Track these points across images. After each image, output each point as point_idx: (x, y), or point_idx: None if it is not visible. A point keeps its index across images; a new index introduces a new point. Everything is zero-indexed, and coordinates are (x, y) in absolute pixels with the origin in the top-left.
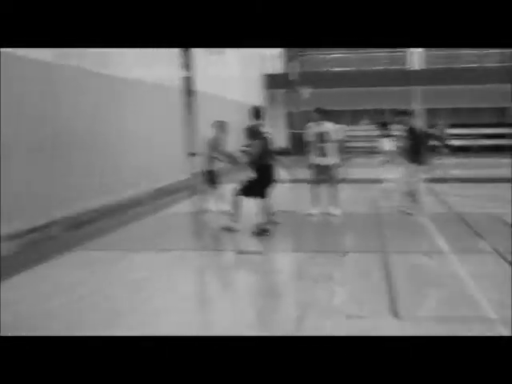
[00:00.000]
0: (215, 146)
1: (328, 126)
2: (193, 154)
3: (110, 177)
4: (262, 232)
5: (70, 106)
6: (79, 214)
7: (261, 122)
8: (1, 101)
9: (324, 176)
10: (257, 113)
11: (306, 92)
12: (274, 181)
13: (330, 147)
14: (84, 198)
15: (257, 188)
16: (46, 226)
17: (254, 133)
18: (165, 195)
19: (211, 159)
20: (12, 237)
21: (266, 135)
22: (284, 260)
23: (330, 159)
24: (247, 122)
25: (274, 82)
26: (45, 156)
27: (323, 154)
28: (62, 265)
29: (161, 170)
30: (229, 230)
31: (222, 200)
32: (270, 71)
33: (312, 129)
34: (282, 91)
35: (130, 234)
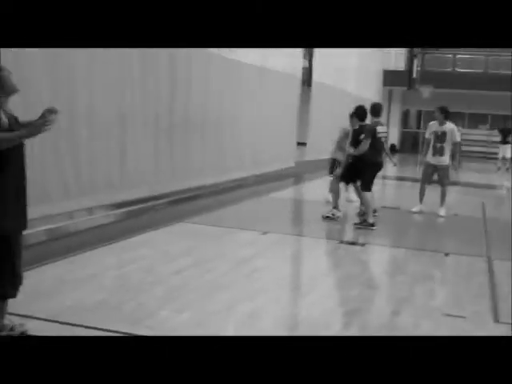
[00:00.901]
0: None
1: (450, 127)
2: (303, 144)
3: (225, 157)
4: (366, 225)
5: (198, 89)
6: (193, 189)
7: (378, 119)
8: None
9: (437, 176)
10: (375, 110)
11: (426, 91)
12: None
13: (447, 148)
14: (200, 174)
15: (364, 182)
16: (167, 195)
17: (368, 130)
18: (271, 180)
19: (340, 149)
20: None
21: (380, 134)
22: (384, 254)
23: (446, 159)
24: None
25: (393, 78)
26: (172, 133)
27: (441, 154)
28: (171, 233)
29: (270, 155)
30: (330, 218)
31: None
32: (391, 67)
33: (433, 128)
34: (401, 88)
35: (236, 214)
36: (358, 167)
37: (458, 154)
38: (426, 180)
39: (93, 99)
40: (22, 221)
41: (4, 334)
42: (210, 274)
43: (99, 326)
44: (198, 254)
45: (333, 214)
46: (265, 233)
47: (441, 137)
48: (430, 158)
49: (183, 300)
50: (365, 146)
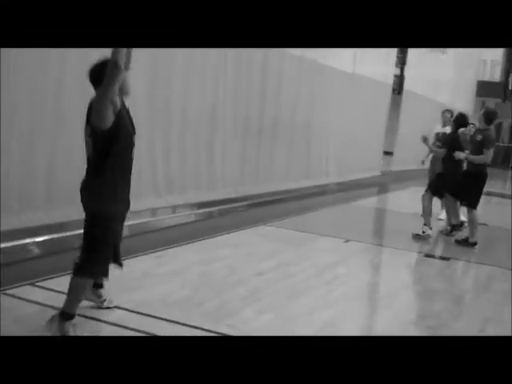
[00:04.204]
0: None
1: None
2: (389, 153)
3: (310, 163)
4: (467, 243)
5: (289, 94)
6: (277, 193)
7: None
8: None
9: None
10: (462, 120)
11: None
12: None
13: None
14: (285, 179)
15: (471, 197)
16: (251, 198)
17: (492, 139)
18: (355, 188)
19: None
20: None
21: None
22: (469, 270)
23: None
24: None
25: (488, 89)
26: (259, 137)
27: None
28: (254, 234)
29: (356, 163)
30: (420, 236)
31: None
32: (486, 78)
33: None
34: (495, 100)
35: (320, 220)
36: (463, 180)
37: None
38: None
39: (186, 101)
40: (127, 203)
41: (96, 304)
42: (291, 278)
43: (182, 321)
44: (280, 258)
45: (423, 232)
46: (347, 241)
47: None
48: None
49: (265, 302)
50: (488, 157)
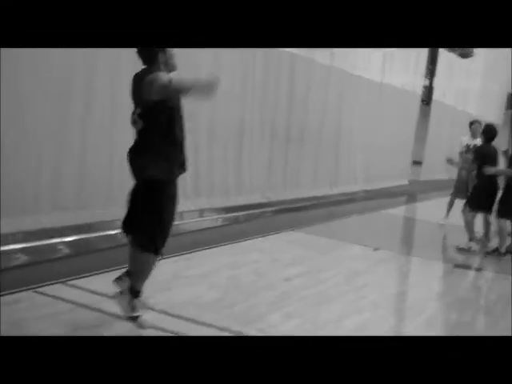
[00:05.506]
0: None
1: None
2: (418, 163)
3: (337, 170)
4: (499, 254)
5: (317, 101)
6: (304, 199)
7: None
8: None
9: None
10: (491, 132)
11: None
12: None
13: None
14: (312, 186)
15: (504, 207)
16: (278, 203)
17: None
18: (383, 197)
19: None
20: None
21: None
22: (500, 281)
23: None
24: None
25: None
26: (287, 144)
27: None
28: (281, 240)
29: (384, 171)
30: (464, 250)
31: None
32: None
33: None
34: None
35: (347, 227)
36: (492, 191)
37: None
38: None
39: (215, 106)
40: (183, 165)
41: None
42: (320, 285)
43: (212, 323)
44: (308, 264)
45: (469, 248)
46: (376, 249)
47: None
48: None
49: (293, 307)
50: None
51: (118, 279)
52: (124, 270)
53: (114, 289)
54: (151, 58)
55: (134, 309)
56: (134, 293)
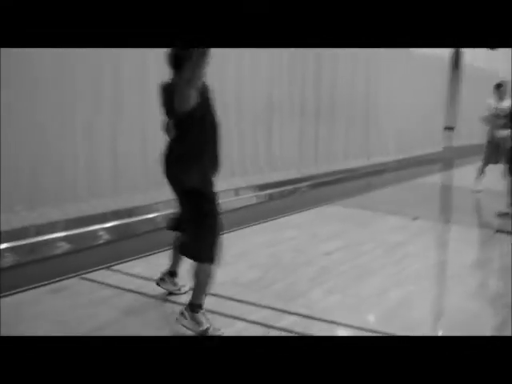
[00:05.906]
0: None
1: None
2: (450, 129)
3: (369, 141)
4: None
5: (346, 72)
6: (337, 172)
7: None
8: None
9: None
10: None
11: None
12: None
13: None
14: (345, 158)
15: None
16: (312, 178)
17: None
18: (418, 165)
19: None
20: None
21: None
22: None
23: None
24: None
25: None
26: (318, 118)
27: None
28: (318, 214)
29: (417, 139)
30: (505, 214)
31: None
32: None
33: None
34: None
35: (384, 198)
36: None
37: None
38: None
39: (243, 84)
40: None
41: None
42: (360, 258)
43: (255, 302)
44: (347, 237)
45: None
46: (415, 218)
47: None
48: None
49: (333, 282)
50: None
51: (161, 280)
52: (163, 271)
53: (156, 272)
54: (181, 65)
55: (199, 323)
56: (195, 308)
